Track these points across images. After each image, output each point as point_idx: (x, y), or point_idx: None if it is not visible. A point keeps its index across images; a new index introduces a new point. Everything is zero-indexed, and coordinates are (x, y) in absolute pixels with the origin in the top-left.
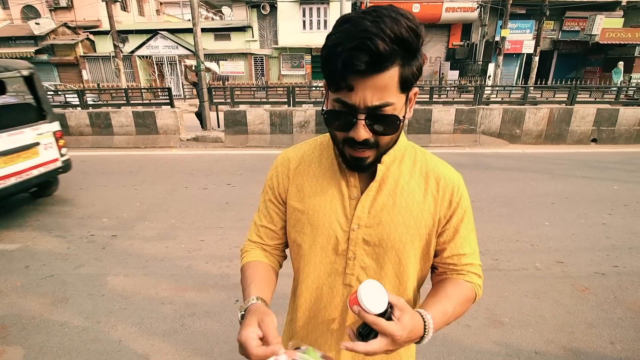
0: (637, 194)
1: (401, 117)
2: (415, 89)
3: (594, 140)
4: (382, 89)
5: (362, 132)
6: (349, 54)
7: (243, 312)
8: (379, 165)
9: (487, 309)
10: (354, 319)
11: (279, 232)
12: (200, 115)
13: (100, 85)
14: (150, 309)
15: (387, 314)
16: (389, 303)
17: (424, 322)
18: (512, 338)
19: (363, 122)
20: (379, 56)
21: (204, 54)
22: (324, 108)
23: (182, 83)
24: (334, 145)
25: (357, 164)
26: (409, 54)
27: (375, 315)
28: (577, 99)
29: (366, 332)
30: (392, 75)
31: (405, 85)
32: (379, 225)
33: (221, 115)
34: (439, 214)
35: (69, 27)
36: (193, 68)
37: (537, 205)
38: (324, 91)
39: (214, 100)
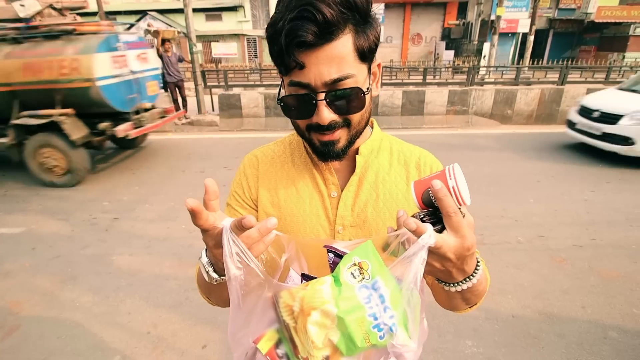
0: (620, 171)
1: (365, 89)
2: (379, 61)
3: None
4: (338, 60)
5: (326, 114)
6: (292, 26)
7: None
8: (357, 157)
9: None
10: None
11: None
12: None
13: None
14: (156, 284)
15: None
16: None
17: (477, 262)
18: (492, 304)
19: (324, 102)
20: (325, 23)
21: (196, 36)
22: (279, 97)
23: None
24: (300, 137)
25: (329, 150)
26: (359, 17)
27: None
28: (568, 79)
29: (431, 221)
30: (345, 42)
31: (364, 54)
32: (365, 223)
33: (215, 98)
34: None
35: (54, 9)
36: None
37: (524, 184)
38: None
39: (208, 84)
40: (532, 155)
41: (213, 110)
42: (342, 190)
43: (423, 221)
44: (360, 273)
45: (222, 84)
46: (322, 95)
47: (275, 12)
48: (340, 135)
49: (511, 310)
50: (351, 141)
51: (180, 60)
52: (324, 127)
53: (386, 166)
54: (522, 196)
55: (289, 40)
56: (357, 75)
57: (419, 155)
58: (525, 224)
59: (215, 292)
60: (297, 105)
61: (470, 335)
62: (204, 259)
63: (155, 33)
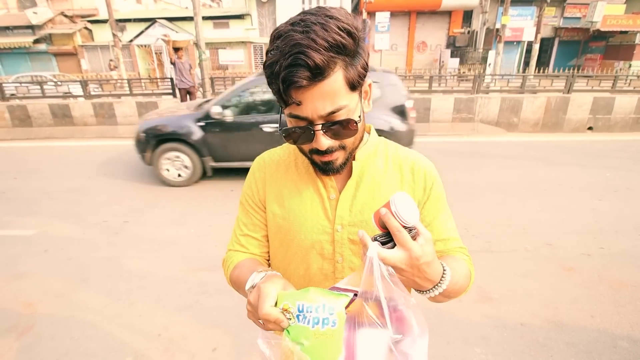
0: (627, 181)
1: (357, 118)
2: (368, 82)
3: (590, 128)
4: (330, 95)
5: (324, 141)
6: (287, 72)
7: (263, 276)
8: (353, 162)
9: (478, 287)
10: None
11: (262, 240)
12: None
13: (100, 75)
14: (166, 287)
15: (411, 232)
16: (415, 227)
17: (443, 270)
18: (501, 312)
19: (321, 131)
20: (316, 67)
21: (204, 43)
22: (281, 126)
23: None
24: (302, 154)
25: (329, 167)
26: (347, 55)
27: (402, 225)
28: (574, 88)
29: (385, 241)
30: (335, 79)
31: (353, 84)
32: (362, 223)
33: None
34: (416, 201)
35: (66, 16)
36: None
37: (531, 192)
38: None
39: (216, 90)
40: (539, 163)
41: None
42: (340, 193)
43: (379, 241)
44: (289, 313)
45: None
46: (319, 126)
47: (269, 52)
48: (338, 156)
49: (520, 319)
50: (348, 158)
51: (190, 67)
52: (322, 151)
53: (382, 170)
54: (529, 204)
55: (285, 85)
56: (349, 104)
57: (413, 160)
58: (533, 232)
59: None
60: (298, 135)
61: (478, 342)
62: (249, 287)
63: (168, 42)
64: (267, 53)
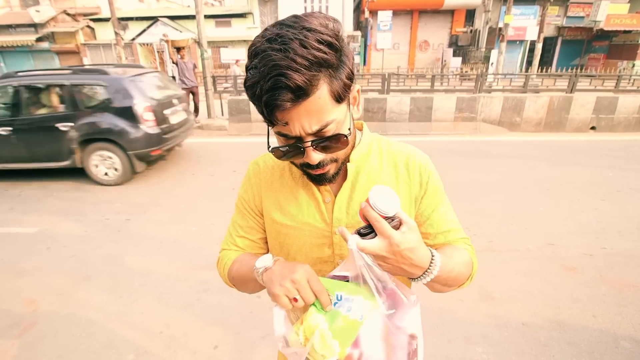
0: (630, 181)
1: (347, 131)
2: (356, 88)
3: (593, 128)
4: (317, 112)
5: (315, 156)
6: (269, 96)
7: (276, 259)
8: (348, 164)
9: (480, 286)
10: None
11: (259, 242)
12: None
13: None
14: (167, 285)
15: (393, 222)
16: (397, 217)
17: (432, 256)
18: (502, 311)
19: (311, 147)
20: (299, 89)
21: (206, 42)
22: (269, 144)
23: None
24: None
25: (322, 178)
26: (330, 68)
27: (380, 215)
28: (577, 87)
29: (366, 232)
30: (320, 95)
31: (339, 96)
32: (359, 224)
33: (225, 103)
34: (413, 196)
35: (68, 14)
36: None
37: (533, 191)
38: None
39: (218, 89)
40: (541, 163)
41: (222, 114)
42: (335, 196)
43: (361, 233)
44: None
45: (232, 89)
46: (308, 143)
47: (248, 70)
48: (330, 168)
49: (521, 318)
50: (341, 167)
51: (194, 67)
52: (314, 166)
53: (377, 168)
54: (532, 204)
55: (269, 109)
56: (336, 118)
57: (407, 155)
58: (535, 232)
59: (250, 285)
60: (287, 152)
61: (480, 342)
62: (261, 266)
63: (167, 41)
64: (246, 70)
